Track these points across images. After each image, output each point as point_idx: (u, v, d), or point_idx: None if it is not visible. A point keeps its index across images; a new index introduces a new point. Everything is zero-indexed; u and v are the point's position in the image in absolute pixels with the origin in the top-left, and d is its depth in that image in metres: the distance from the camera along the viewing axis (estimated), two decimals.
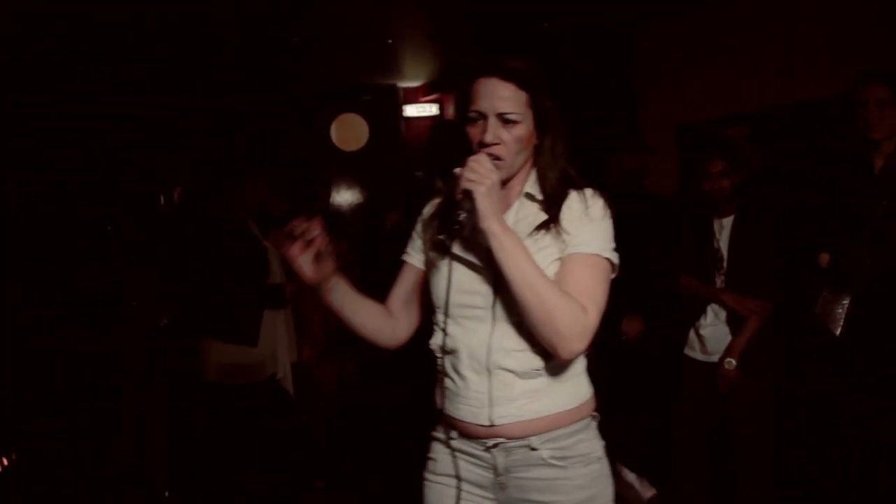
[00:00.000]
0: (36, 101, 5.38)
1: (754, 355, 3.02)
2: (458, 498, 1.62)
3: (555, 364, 1.56)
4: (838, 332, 2.64)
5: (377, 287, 3.76)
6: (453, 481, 1.62)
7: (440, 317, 1.63)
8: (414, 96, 8.42)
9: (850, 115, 2.63)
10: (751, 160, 3.61)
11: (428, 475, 1.71)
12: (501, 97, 1.53)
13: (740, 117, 4.49)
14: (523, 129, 1.55)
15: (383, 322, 1.77)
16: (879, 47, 3.81)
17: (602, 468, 1.61)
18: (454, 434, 1.64)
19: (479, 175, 1.47)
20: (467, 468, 1.62)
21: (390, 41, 6.36)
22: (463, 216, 1.47)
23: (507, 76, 1.54)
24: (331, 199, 6.01)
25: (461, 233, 1.51)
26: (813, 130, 4.02)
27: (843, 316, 2.62)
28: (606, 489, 1.61)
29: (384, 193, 6.80)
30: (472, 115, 1.56)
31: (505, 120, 1.54)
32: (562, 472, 1.55)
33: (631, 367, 3.45)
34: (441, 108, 8.42)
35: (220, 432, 3.34)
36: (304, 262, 1.61)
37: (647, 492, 3.40)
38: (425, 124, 7.35)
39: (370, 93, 8.24)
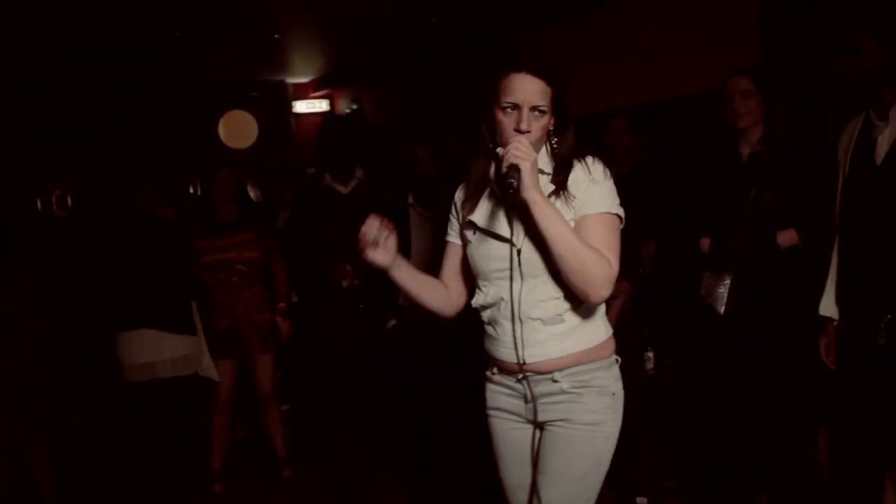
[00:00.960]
0: None
1: (628, 337, 3.14)
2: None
3: (574, 312, 1.82)
4: (721, 310, 2.83)
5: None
6: (498, 413, 1.97)
7: (480, 280, 1.92)
8: (304, 92, 8.32)
9: (721, 107, 2.83)
10: (631, 151, 3.78)
11: (486, 410, 2.01)
12: (534, 91, 1.76)
13: (624, 111, 4.71)
14: (548, 118, 1.79)
15: (441, 294, 2.04)
16: (744, 48, 4.11)
17: (614, 403, 1.87)
18: (495, 371, 1.95)
19: (523, 153, 1.70)
20: (505, 399, 1.94)
21: (277, 36, 6.26)
22: (515, 182, 1.70)
23: (538, 73, 1.76)
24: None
25: (515, 197, 1.73)
26: (691, 123, 4.27)
27: (725, 295, 2.82)
28: (615, 421, 1.87)
29: (275, 191, 6.69)
30: (507, 105, 1.77)
31: (538, 111, 1.76)
32: (577, 398, 1.83)
33: None
34: (331, 104, 8.36)
35: (154, 429, 3.30)
36: (376, 254, 1.86)
37: None
38: (315, 120, 7.27)
39: (258, 89, 8.09)
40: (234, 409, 3.86)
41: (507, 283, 1.83)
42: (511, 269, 1.82)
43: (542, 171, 1.82)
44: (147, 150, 6.36)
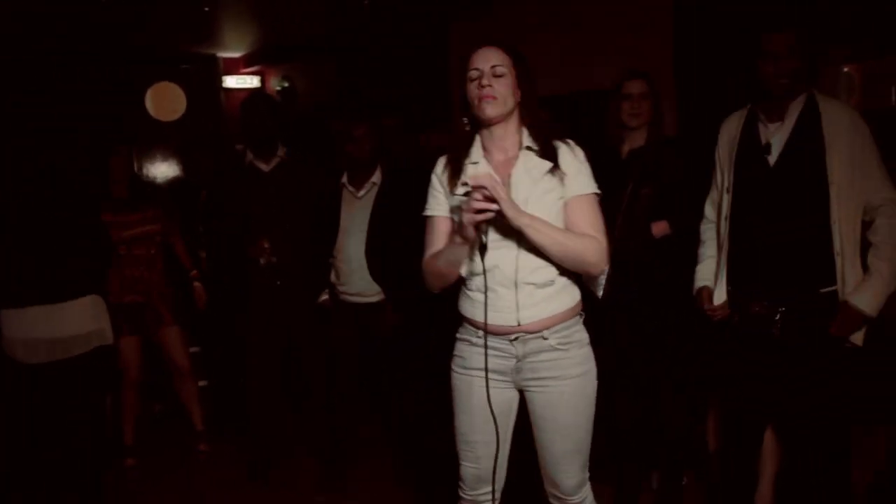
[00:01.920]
0: None
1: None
2: (487, 384, 2.02)
3: (561, 276, 2.02)
4: (600, 294, 2.97)
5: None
6: (480, 372, 2.04)
7: (472, 249, 2.00)
8: (235, 67, 8.18)
9: (615, 105, 2.94)
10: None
11: (457, 369, 2.12)
12: (492, 57, 1.99)
13: (545, 100, 4.82)
14: (508, 80, 1.99)
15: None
16: (648, 51, 4.29)
17: (590, 351, 2.10)
18: (481, 334, 2.03)
19: (477, 206, 1.84)
20: (491, 360, 2.03)
21: (207, 9, 6.14)
22: (485, 239, 1.91)
23: (495, 44, 2.02)
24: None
25: (485, 248, 1.94)
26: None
27: (604, 281, 2.96)
28: (593, 368, 2.10)
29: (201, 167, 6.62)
30: (472, 73, 1.99)
31: (495, 73, 1.96)
32: (564, 353, 2.03)
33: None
34: (263, 81, 8.25)
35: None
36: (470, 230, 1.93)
37: None
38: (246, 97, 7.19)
39: (189, 62, 7.92)
40: (150, 384, 3.86)
41: (503, 251, 1.98)
42: (512, 238, 1.97)
43: (531, 149, 2.01)
44: (69, 120, 6.19)
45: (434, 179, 2.15)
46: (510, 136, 2.05)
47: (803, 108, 2.44)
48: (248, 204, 3.40)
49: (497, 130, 2.03)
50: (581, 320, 2.10)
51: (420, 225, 3.23)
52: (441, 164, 2.14)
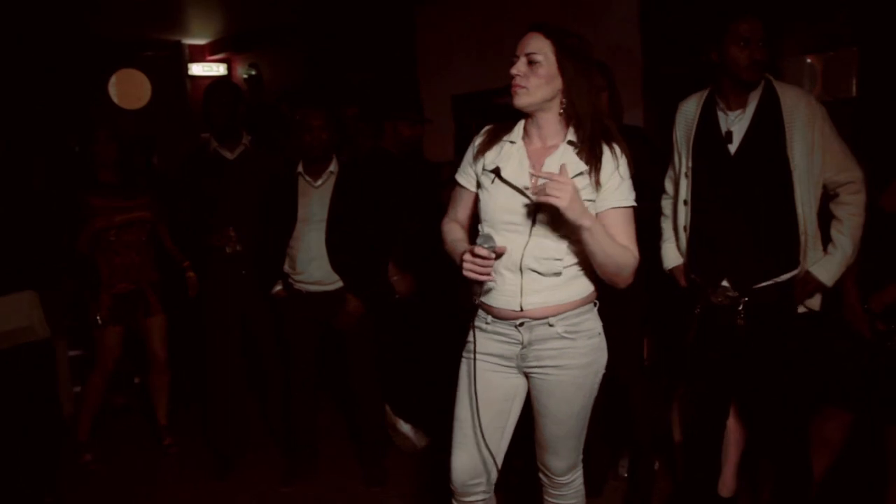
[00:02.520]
0: None
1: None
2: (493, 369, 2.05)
3: (571, 269, 1.97)
4: None
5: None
6: (487, 357, 2.04)
7: (485, 228, 2.00)
8: (201, 55, 8.07)
9: None
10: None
11: (466, 354, 2.08)
12: (531, 43, 1.91)
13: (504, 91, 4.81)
14: (544, 69, 1.90)
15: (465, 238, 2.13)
16: (615, 36, 4.29)
17: (601, 342, 2.05)
18: (489, 319, 2.04)
19: (557, 193, 1.79)
20: (497, 345, 2.04)
21: None
22: (476, 298, 1.98)
23: (539, 29, 1.92)
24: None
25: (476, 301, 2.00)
26: None
27: None
28: (602, 358, 2.06)
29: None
30: (514, 59, 1.92)
31: (530, 61, 1.90)
32: (571, 342, 1.98)
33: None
34: (229, 68, 8.14)
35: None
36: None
37: (422, 441, 3.62)
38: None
39: (153, 49, 7.79)
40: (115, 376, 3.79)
41: (515, 236, 1.95)
42: (525, 224, 1.95)
43: (573, 144, 1.94)
44: (34, 107, 6.06)
45: (471, 146, 2.11)
46: (552, 126, 1.98)
47: (762, 95, 2.45)
48: (213, 191, 3.36)
49: (538, 118, 1.97)
50: (594, 309, 2.06)
51: (380, 217, 3.25)
52: (482, 132, 2.11)
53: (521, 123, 2.02)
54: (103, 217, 3.48)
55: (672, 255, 2.71)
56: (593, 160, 1.92)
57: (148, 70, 7.78)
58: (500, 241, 1.94)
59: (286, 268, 3.24)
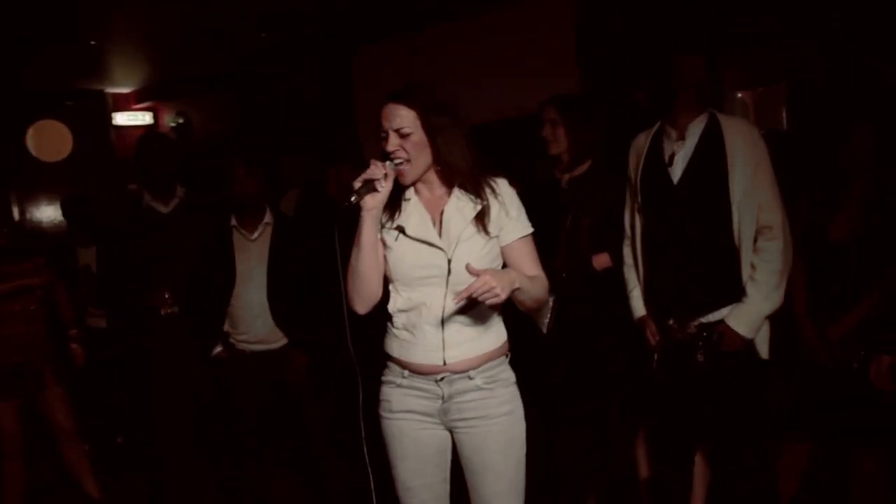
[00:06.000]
0: None
1: None
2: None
3: (486, 315, 1.97)
4: (545, 329, 2.93)
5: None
6: (407, 415, 2.00)
7: (398, 285, 1.97)
8: (125, 103, 7.83)
9: (538, 134, 2.94)
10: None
11: (385, 414, 2.04)
12: (396, 116, 1.90)
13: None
14: (415, 137, 1.90)
15: (378, 279, 2.00)
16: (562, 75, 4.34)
17: (516, 391, 2.03)
18: (406, 373, 1.99)
19: (489, 294, 1.76)
20: (416, 401, 1.99)
21: (93, 42, 5.86)
22: (356, 199, 1.86)
23: (400, 100, 1.90)
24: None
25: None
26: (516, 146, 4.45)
27: (549, 315, 2.92)
28: (520, 407, 2.03)
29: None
30: (382, 134, 1.92)
31: (401, 134, 1.89)
32: (490, 392, 1.97)
33: None
34: (156, 117, 7.93)
35: None
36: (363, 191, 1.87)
37: None
38: (138, 134, 6.84)
39: (74, 98, 7.52)
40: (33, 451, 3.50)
41: (431, 289, 1.93)
42: (441, 276, 1.92)
43: (462, 186, 1.94)
44: None
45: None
46: (437, 180, 1.98)
47: (705, 126, 2.48)
48: (148, 249, 3.20)
49: (424, 177, 1.97)
50: (507, 360, 2.04)
51: (322, 266, 3.13)
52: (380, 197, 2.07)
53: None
54: None
55: (639, 305, 2.67)
56: (485, 198, 1.94)
57: (70, 120, 7.49)
58: (415, 296, 1.95)
59: (227, 327, 3.10)
